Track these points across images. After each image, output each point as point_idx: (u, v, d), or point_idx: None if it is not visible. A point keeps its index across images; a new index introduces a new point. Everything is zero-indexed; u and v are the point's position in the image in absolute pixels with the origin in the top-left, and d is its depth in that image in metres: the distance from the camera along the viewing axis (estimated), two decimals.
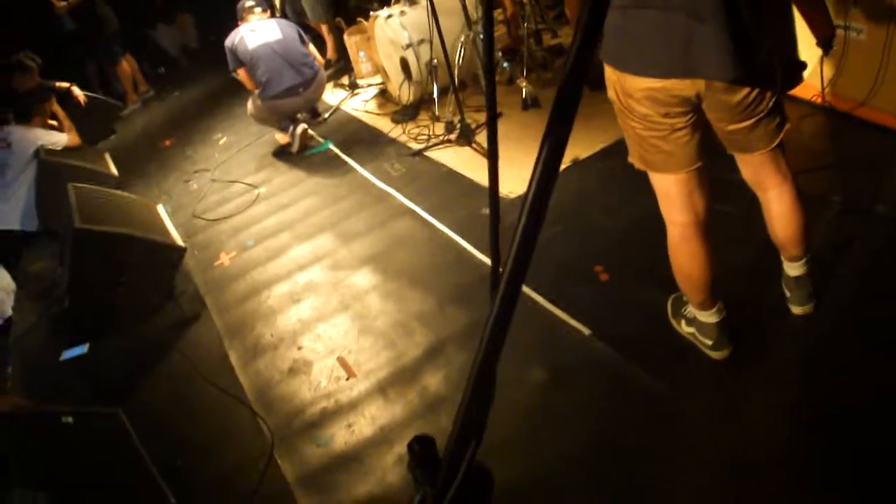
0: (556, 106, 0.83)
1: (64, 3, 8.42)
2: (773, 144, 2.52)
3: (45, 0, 8.67)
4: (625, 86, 2.33)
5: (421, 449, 1.00)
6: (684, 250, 2.69)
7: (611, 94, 2.45)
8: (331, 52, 8.06)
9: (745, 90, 2.28)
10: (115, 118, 8.67)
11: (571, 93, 0.82)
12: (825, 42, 2.61)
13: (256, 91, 6.11)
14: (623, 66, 2.30)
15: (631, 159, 2.62)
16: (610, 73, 2.39)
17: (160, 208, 5.34)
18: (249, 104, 6.28)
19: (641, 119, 2.39)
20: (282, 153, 6.32)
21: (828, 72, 4.15)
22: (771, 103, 2.38)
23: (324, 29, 8.01)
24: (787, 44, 2.33)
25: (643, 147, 2.50)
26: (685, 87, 2.23)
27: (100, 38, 8.85)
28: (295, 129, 6.16)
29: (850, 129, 4.15)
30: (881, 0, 3.76)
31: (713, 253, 2.69)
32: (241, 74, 6.16)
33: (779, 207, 2.71)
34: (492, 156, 1.01)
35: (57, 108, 6.81)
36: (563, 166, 3.31)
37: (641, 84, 2.27)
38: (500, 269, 0.89)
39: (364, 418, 3.27)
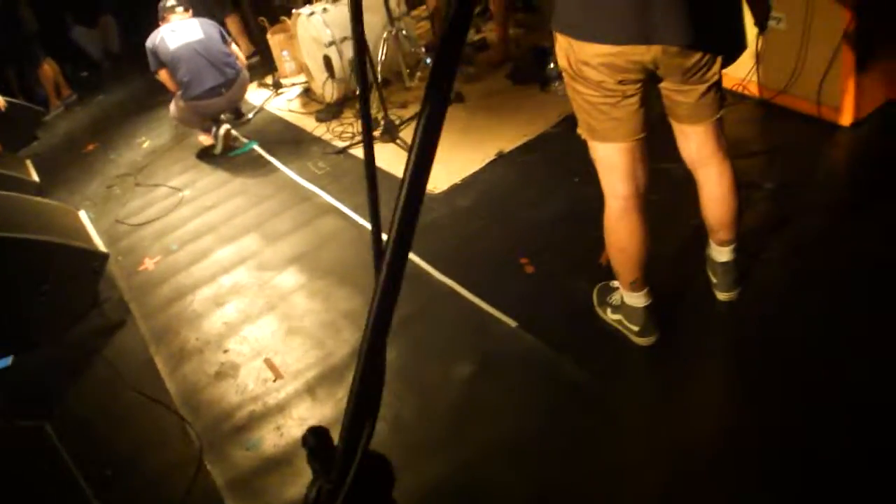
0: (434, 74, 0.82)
1: None
2: (718, 115, 2.64)
3: None
4: (579, 54, 2.39)
5: (316, 440, 0.99)
6: (624, 224, 2.74)
7: (562, 62, 2.52)
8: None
9: (698, 55, 2.38)
10: (38, 124, 8.50)
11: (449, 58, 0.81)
12: (762, 20, 2.68)
13: (178, 92, 6.03)
14: (580, 34, 2.36)
15: (580, 130, 2.68)
16: (563, 41, 2.45)
17: (82, 214, 5.26)
18: (172, 106, 6.20)
19: (595, 86, 2.45)
20: (206, 155, 6.26)
21: (749, 61, 4.25)
22: (719, 71, 2.49)
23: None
24: (736, 14, 2.44)
25: (592, 115, 2.55)
26: (642, 52, 2.31)
27: (20, 40, 8.67)
28: (218, 130, 6.10)
29: (772, 117, 4.29)
30: None
31: (649, 228, 2.75)
32: (163, 75, 6.07)
33: (717, 188, 2.79)
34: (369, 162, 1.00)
35: None
36: (487, 159, 3.40)
37: (599, 50, 2.33)
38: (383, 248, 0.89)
39: (292, 420, 3.26)
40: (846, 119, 4.01)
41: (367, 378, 0.91)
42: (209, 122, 6.16)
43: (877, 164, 3.81)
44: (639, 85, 2.46)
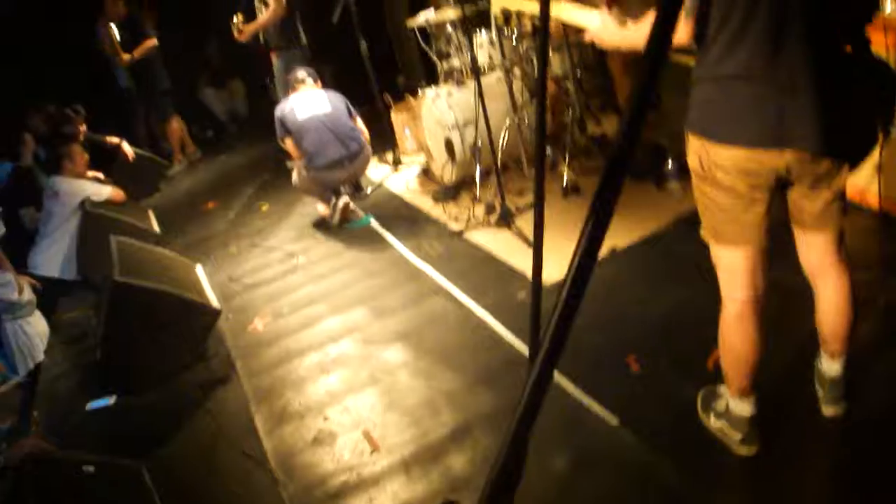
0: (601, 190, 0.85)
1: (128, 56, 8.63)
2: (841, 223, 2.63)
3: (103, 55, 8.94)
4: (713, 156, 2.41)
5: None
6: (739, 329, 2.71)
7: (693, 163, 2.53)
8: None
9: (829, 161, 2.39)
10: (161, 177, 8.83)
11: (616, 177, 0.84)
12: (886, 125, 2.67)
13: (302, 161, 6.20)
14: (715, 136, 2.39)
15: (703, 232, 2.70)
16: (695, 142, 2.47)
17: (198, 268, 5.41)
18: (294, 174, 6.37)
19: (726, 189, 2.46)
20: (322, 224, 6.39)
21: (869, 169, 4.19)
22: (846, 178, 2.50)
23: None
24: (868, 122, 2.44)
25: (718, 218, 2.57)
26: (775, 157, 2.32)
27: (152, 95, 9.07)
28: (337, 201, 6.23)
29: (891, 229, 4.22)
30: None
31: (765, 335, 2.72)
32: (288, 144, 6.27)
33: (835, 298, 2.76)
34: (538, 238, 1.02)
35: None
36: (601, 256, 3.36)
37: (733, 153, 2.36)
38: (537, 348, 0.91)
39: (385, 494, 3.25)
40: None
41: (510, 463, 0.92)
42: (329, 192, 6.30)
43: None
44: (768, 191, 2.46)
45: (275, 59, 7.73)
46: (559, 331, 0.87)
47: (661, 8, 0.76)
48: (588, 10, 2.62)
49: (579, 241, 0.87)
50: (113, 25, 8.51)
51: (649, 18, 2.41)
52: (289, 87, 6.47)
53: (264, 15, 7.42)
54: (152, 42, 8.76)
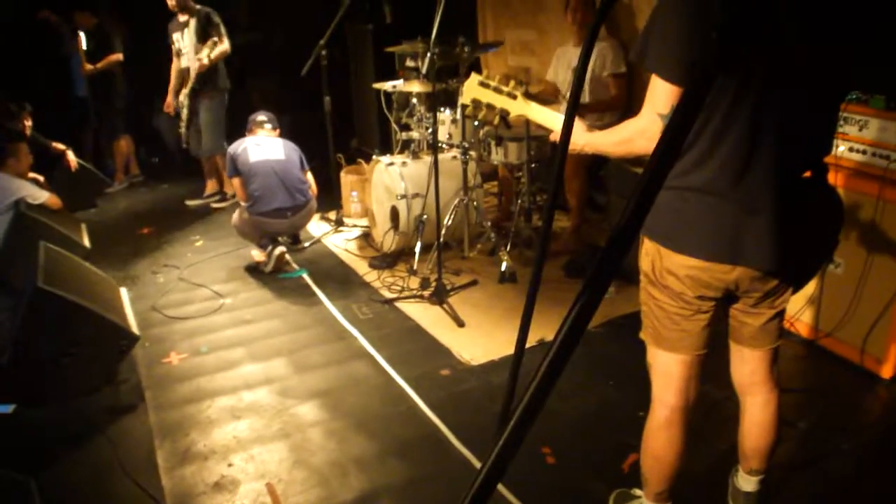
0: (593, 278, 0.87)
1: (91, 67, 8.55)
2: (777, 343, 2.74)
3: (65, 62, 8.85)
4: (666, 261, 2.47)
5: None
6: (665, 435, 2.75)
7: (645, 266, 2.59)
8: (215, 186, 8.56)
9: (776, 282, 2.48)
10: (100, 193, 8.68)
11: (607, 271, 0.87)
12: (830, 254, 2.76)
13: (245, 204, 6.17)
14: (671, 245, 2.44)
15: (643, 335, 2.75)
16: (650, 246, 2.54)
17: (123, 291, 5.31)
18: (235, 215, 6.33)
19: (674, 296, 2.52)
20: (254, 270, 6.33)
21: (801, 299, 4.36)
22: (788, 299, 2.60)
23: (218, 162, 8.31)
24: (819, 250, 2.57)
25: (662, 323, 2.61)
26: (727, 271, 2.38)
27: (107, 110, 8.97)
28: (273, 249, 6.18)
29: (815, 357, 4.44)
30: (861, 236, 3.97)
31: (688, 444, 2.76)
32: (236, 183, 6.26)
33: (762, 415, 2.85)
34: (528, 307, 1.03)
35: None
36: (529, 345, 3.36)
37: (687, 262, 2.42)
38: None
39: None
40: (887, 372, 4.14)
41: None
42: (266, 239, 6.26)
43: None
44: (714, 302, 2.53)
45: (206, 102, 7.91)
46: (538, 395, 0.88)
47: (674, 120, 0.80)
48: (557, 111, 2.68)
49: (565, 321, 0.89)
50: (81, 34, 8.44)
51: (620, 129, 2.48)
52: (247, 129, 6.47)
53: (217, 51, 7.50)
54: (117, 57, 8.68)
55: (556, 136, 2.75)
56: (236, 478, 3.66)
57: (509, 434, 0.91)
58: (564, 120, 1.07)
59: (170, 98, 8.28)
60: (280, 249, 6.22)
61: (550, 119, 2.70)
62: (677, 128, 0.82)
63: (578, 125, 2.64)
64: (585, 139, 2.62)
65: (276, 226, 6.19)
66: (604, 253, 0.84)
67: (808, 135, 2.35)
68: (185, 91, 7.88)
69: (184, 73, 8.00)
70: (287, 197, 6.10)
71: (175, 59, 8.11)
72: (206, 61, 7.51)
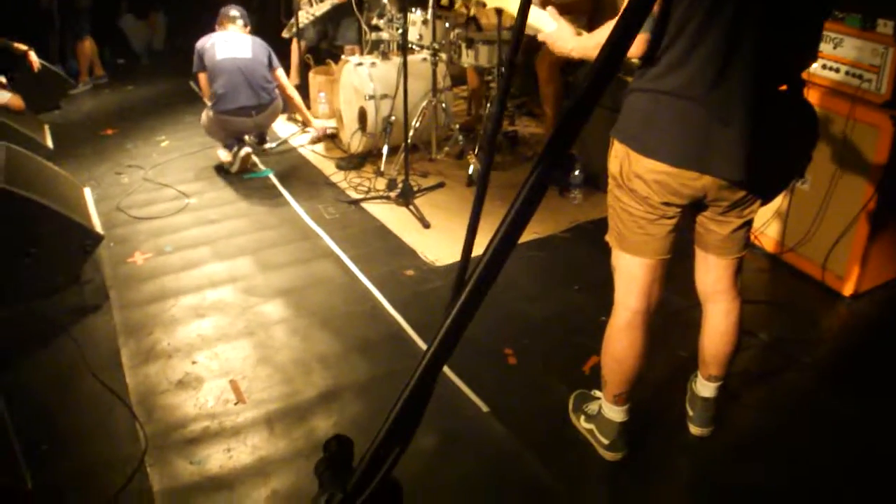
0: (533, 180, 0.86)
1: None
2: (743, 252, 2.76)
3: None
4: (634, 165, 2.47)
5: (338, 448, 0.98)
6: (626, 337, 2.79)
7: (614, 169, 2.59)
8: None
9: (744, 192, 2.49)
10: (63, 94, 8.51)
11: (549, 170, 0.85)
12: (802, 169, 2.76)
13: (210, 102, 6.09)
14: (640, 148, 2.44)
15: (608, 237, 2.76)
16: (620, 149, 2.53)
17: (87, 191, 5.25)
18: (204, 114, 6.23)
19: (640, 199, 2.52)
20: (221, 170, 6.26)
21: (767, 213, 4.37)
22: (756, 210, 2.61)
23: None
24: (791, 164, 2.57)
25: (627, 226, 2.62)
26: (695, 178, 2.39)
27: (70, 11, 8.75)
28: (239, 150, 6.11)
29: (777, 271, 4.48)
30: (830, 155, 3.97)
31: (649, 348, 2.81)
32: (202, 79, 6.16)
33: (723, 322, 2.89)
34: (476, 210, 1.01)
35: None
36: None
37: (655, 167, 2.42)
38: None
39: (245, 446, 3.23)
40: (848, 289, 4.18)
41: (413, 403, 0.91)
42: (232, 139, 6.18)
43: (868, 337, 3.98)
44: (680, 209, 2.54)
45: None
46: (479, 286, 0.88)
47: (625, 15, 0.77)
48: (545, 13, 2.63)
49: (523, 186, 0.88)
50: None
51: (605, 30, 2.44)
52: (217, 22, 6.33)
53: None
54: None
55: (544, 38, 2.69)
56: (200, 375, 3.69)
57: (462, 302, 0.90)
58: (517, 21, 1.03)
59: None
60: (246, 150, 6.15)
61: (540, 21, 2.64)
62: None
63: (567, 29, 2.60)
64: (573, 43, 2.58)
65: (240, 124, 6.10)
66: (558, 125, 0.82)
67: (786, 48, 2.33)
68: None
69: None
70: (251, 95, 6.00)
71: None
72: None
